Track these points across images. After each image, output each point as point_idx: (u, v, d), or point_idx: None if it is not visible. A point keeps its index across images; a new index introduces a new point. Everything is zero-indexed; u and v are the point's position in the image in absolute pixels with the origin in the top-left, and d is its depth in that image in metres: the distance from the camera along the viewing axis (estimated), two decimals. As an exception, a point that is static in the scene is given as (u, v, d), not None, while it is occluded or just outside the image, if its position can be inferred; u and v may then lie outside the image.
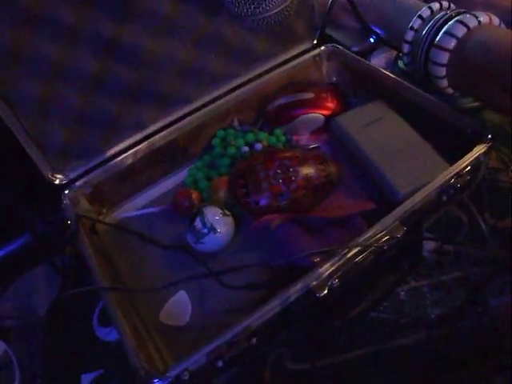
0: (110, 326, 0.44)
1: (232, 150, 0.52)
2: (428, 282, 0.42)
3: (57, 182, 0.48)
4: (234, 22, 0.41)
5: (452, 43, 0.46)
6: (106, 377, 0.42)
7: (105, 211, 0.51)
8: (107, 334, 0.43)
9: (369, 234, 0.37)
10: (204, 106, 0.54)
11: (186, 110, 0.54)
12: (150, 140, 0.51)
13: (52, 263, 0.52)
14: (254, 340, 0.34)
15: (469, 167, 0.42)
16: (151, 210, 0.51)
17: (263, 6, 0.36)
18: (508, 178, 0.50)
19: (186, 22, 0.50)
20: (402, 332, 0.40)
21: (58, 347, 0.45)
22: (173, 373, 0.32)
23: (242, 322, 0.34)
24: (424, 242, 0.43)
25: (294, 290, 0.35)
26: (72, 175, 0.48)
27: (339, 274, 0.36)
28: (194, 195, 0.49)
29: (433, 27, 0.48)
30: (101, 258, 0.42)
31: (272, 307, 0.35)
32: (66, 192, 0.47)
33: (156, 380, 0.32)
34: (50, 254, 0.52)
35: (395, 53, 0.64)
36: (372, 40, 0.64)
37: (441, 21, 0.48)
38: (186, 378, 0.32)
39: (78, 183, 0.48)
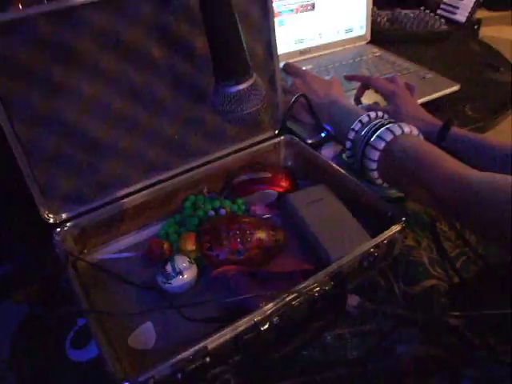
0: (82, 349, 0.51)
1: (200, 212, 0.62)
2: (350, 330, 0.53)
3: (50, 220, 0.56)
4: (215, 112, 0.53)
5: (382, 145, 0.60)
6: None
7: (85, 251, 0.60)
8: (79, 356, 0.50)
9: (304, 285, 0.48)
10: (181, 173, 0.65)
11: (166, 175, 0.65)
12: (132, 196, 0.61)
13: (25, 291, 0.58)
14: (208, 359, 0.43)
15: (385, 241, 0.54)
16: (127, 254, 0.60)
17: (242, 106, 0.48)
18: (418, 255, 0.63)
19: (176, 105, 0.62)
20: (327, 368, 0.49)
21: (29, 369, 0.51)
22: (142, 378, 0.40)
23: (200, 343, 0.43)
24: (349, 297, 0.54)
25: (243, 322, 0.45)
26: (64, 217, 0.57)
27: (279, 313, 0.46)
28: (166, 245, 0.58)
29: (369, 131, 0.63)
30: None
31: (224, 333, 0.44)
32: (58, 230, 0.56)
33: (127, 382, 0.40)
34: (24, 282, 0.59)
35: (341, 147, 0.78)
36: (323, 135, 0.79)
37: (375, 127, 0.63)
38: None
39: (68, 224, 0.57)
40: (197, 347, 0.42)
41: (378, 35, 1.19)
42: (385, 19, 1.32)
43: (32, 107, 0.52)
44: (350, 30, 1.11)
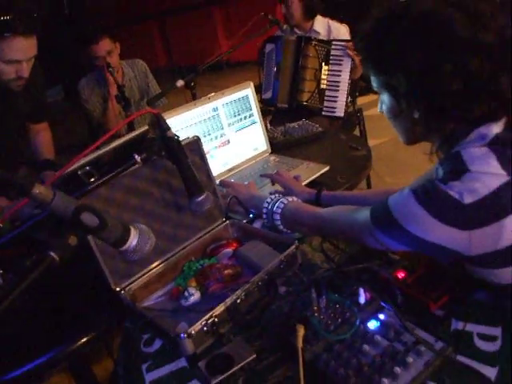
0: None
1: (194, 267, 1.15)
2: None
3: (117, 289, 1.07)
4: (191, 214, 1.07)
5: (279, 210, 1.16)
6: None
7: (137, 303, 1.09)
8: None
9: (253, 280, 1.00)
10: (178, 252, 1.18)
11: (173, 252, 1.17)
12: (162, 264, 1.13)
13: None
14: (216, 319, 0.93)
15: (290, 253, 1.08)
16: (162, 298, 1.10)
17: (204, 206, 1.03)
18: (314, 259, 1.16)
19: (169, 215, 1.17)
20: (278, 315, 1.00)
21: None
22: (184, 332, 0.89)
23: (216, 309, 0.93)
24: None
25: (228, 300, 0.96)
26: (122, 285, 1.08)
27: (245, 293, 0.98)
28: (180, 288, 1.09)
29: (273, 205, 1.19)
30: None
31: (220, 307, 0.95)
32: (122, 293, 1.06)
33: (182, 335, 0.89)
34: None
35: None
36: (251, 216, 1.34)
37: (274, 201, 1.19)
38: (193, 333, 0.90)
39: (126, 289, 1.07)
40: (217, 311, 0.93)
41: (276, 146, 1.83)
42: (279, 133, 1.97)
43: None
44: (256, 149, 1.74)
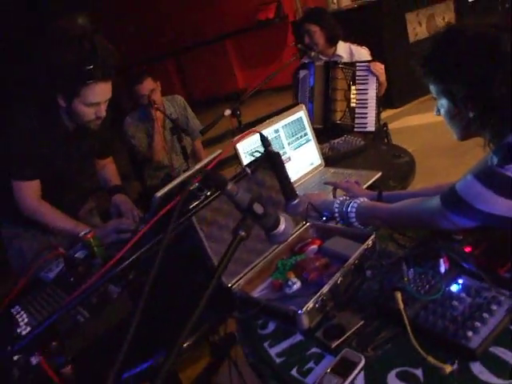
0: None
1: (288, 263, 1.36)
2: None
3: (229, 284, 1.28)
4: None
5: (354, 208, 1.37)
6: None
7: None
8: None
9: (347, 264, 1.21)
10: (269, 254, 1.39)
11: (266, 254, 1.39)
12: (261, 262, 1.34)
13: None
14: (324, 298, 1.14)
15: (370, 243, 1.29)
16: (266, 291, 1.31)
17: (298, 211, 1.24)
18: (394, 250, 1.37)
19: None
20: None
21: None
22: (301, 309, 1.10)
23: (323, 289, 1.14)
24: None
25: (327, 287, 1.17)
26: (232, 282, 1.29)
27: (341, 276, 1.19)
28: (280, 280, 1.30)
29: (347, 205, 1.40)
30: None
31: (328, 285, 1.15)
32: (234, 287, 1.27)
33: (300, 311, 1.09)
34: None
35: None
36: (324, 218, 1.55)
37: (348, 202, 1.40)
38: (308, 309, 1.10)
39: (235, 285, 1.28)
40: (319, 293, 1.13)
41: (327, 160, 2.05)
42: (326, 149, 2.20)
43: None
44: (312, 163, 1.97)
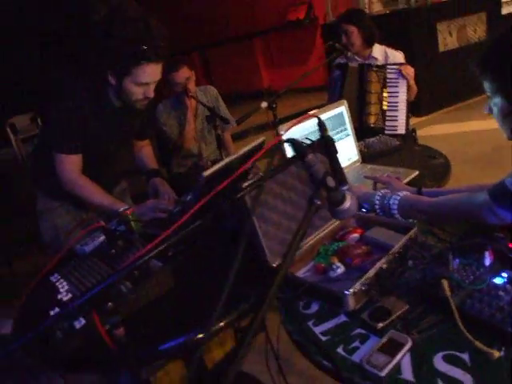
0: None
1: (331, 248, 1.39)
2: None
3: (274, 264, 1.32)
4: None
5: (396, 201, 1.41)
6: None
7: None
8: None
9: (392, 251, 1.25)
10: (312, 239, 1.43)
11: (309, 239, 1.43)
12: (305, 246, 1.38)
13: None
14: (369, 281, 1.17)
15: (411, 236, 1.33)
16: (309, 273, 1.35)
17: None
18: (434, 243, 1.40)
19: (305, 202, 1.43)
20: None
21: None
22: (349, 291, 1.14)
23: (369, 273, 1.17)
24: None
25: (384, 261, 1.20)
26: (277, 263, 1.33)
27: (387, 261, 1.22)
28: (323, 264, 1.34)
29: (389, 197, 1.43)
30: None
31: (374, 270, 1.19)
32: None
33: (347, 292, 1.13)
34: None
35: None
36: (364, 209, 1.59)
37: (390, 195, 1.44)
38: (356, 291, 1.14)
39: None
40: (365, 276, 1.17)
41: (364, 157, 2.09)
42: (362, 147, 2.24)
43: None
44: (350, 159, 2.00)
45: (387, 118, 2.86)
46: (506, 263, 1.17)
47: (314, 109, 2.02)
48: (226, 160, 1.58)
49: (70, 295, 1.48)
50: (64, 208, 2.15)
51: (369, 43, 3.09)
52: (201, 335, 1.24)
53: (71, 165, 1.96)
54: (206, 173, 1.49)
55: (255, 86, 7.11)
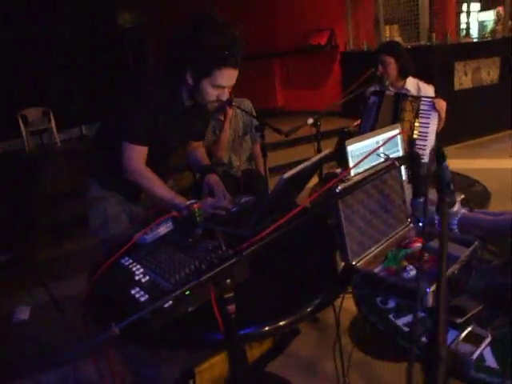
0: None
1: (400, 254, 1.55)
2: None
3: (354, 262, 1.46)
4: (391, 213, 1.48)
5: (457, 217, 1.57)
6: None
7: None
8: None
9: (459, 260, 1.40)
10: (383, 243, 1.59)
11: (380, 243, 1.58)
12: (377, 249, 1.53)
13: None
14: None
15: (474, 248, 1.49)
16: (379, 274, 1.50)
17: (419, 207, 1.45)
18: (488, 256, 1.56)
19: (379, 210, 1.58)
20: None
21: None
22: (430, 288, 1.29)
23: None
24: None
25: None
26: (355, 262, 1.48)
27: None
28: (394, 267, 1.49)
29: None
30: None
31: (449, 271, 1.34)
32: (358, 265, 1.45)
33: (428, 289, 1.28)
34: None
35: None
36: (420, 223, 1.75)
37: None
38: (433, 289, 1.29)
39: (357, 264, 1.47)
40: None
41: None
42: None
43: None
44: (399, 177, 2.17)
45: (417, 147, 3.05)
46: None
47: (332, 131, 2.18)
48: (302, 166, 1.73)
49: (147, 277, 1.55)
50: (116, 198, 2.25)
51: (404, 75, 3.31)
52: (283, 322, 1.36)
53: (139, 155, 2.05)
54: (286, 175, 1.64)
55: (269, 105, 7.31)
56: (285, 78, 7.45)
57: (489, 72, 5.61)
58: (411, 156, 1.40)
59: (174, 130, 2.15)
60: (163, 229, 1.94)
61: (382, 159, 1.59)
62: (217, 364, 2.07)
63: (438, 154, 1.16)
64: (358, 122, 3.32)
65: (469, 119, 5.23)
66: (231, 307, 1.26)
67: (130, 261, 1.68)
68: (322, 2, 6.59)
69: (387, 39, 6.07)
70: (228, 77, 1.93)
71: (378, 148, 1.57)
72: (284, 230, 1.10)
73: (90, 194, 2.28)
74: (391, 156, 2.17)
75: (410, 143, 1.45)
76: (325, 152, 1.90)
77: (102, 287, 1.59)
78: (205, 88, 1.94)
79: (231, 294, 1.21)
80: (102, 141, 2.28)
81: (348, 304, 1.58)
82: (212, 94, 1.96)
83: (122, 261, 1.68)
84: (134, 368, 2.26)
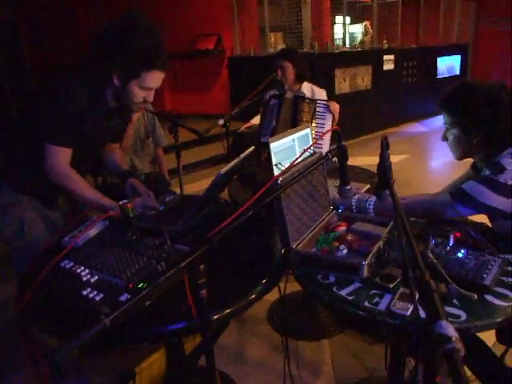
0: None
1: (329, 236, 1.76)
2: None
3: (294, 245, 1.63)
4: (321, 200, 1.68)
5: (372, 202, 1.83)
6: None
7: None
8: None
9: (382, 237, 1.65)
10: (314, 228, 1.78)
11: (312, 228, 1.77)
12: (311, 233, 1.72)
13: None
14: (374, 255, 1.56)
15: (392, 226, 1.76)
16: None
17: (347, 193, 1.67)
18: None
19: (309, 199, 1.78)
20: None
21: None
22: (365, 261, 1.50)
23: (374, 249, 1.55)
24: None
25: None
26: (295, 244, 1.65)
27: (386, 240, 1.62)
28: (327, 248, 1.69)
29: (365, 201, 1.86)
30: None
31: (377, 246, 1.57)
32: (298, 247, 1.63)
33: (363, 262, 1.49)
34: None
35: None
36: (340, 210, 1.99)
37: (366, 198, 1.86)
38: (369, 262, 1.51)
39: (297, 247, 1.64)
40: (372, 252, 1.55)
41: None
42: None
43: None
44: (313, 171, 2.41)
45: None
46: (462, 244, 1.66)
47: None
48: (233, 162, 1.87)
49: (96, 277, 1.54)
50: (31, 203, 2.14)
51: (300, 79, 3.60)
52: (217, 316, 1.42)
53: (64, 157, 1.99)
54: (223, 171, 1.77)
55: (157, 108, 7.26)
56: (173, 82, 7.47)
57: (363, 78, 6.26)
58: (340, 148, 1.61)
59: (97, 131, 2.13)
60: (93, 230, 1.93)
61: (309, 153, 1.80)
62: (155, 362, 2.11)
63: (383, 144, 1.36)
64: (248, 124, 3.57)
65: (348, 121, 5.79)
66: (203, 292, 1.35)
67: (72, 264, 1.65)
68: (209, 8, 6.77)
69: (272, 46, 6.45)
70: (157, 79, 1.98)
71: (313, 145, 1.75)
72: (249, 214, 1.22)
73: (2, 199, 2.12)
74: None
75: (338, 136, 1.60)
76: (249, 150, 2.04)
77: (45, 293, 1.53)
78: (132, 90, 1.96)
79: (204, 279, 1.29)
80: (14, 142, 2.15)
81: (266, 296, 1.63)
82: (139, 95, 1.99)
83: (62, 264, 1.65)
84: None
